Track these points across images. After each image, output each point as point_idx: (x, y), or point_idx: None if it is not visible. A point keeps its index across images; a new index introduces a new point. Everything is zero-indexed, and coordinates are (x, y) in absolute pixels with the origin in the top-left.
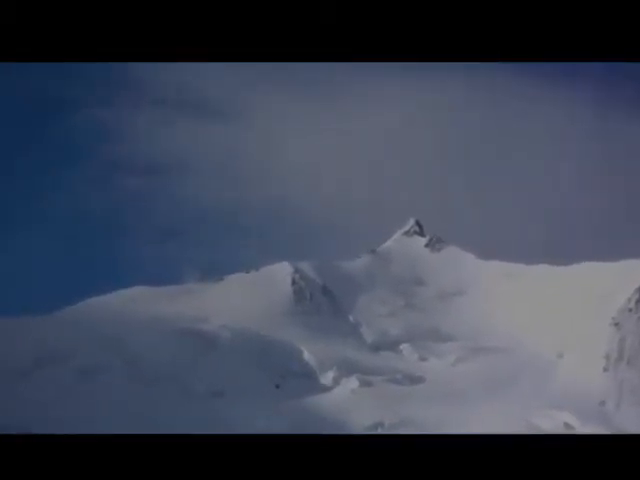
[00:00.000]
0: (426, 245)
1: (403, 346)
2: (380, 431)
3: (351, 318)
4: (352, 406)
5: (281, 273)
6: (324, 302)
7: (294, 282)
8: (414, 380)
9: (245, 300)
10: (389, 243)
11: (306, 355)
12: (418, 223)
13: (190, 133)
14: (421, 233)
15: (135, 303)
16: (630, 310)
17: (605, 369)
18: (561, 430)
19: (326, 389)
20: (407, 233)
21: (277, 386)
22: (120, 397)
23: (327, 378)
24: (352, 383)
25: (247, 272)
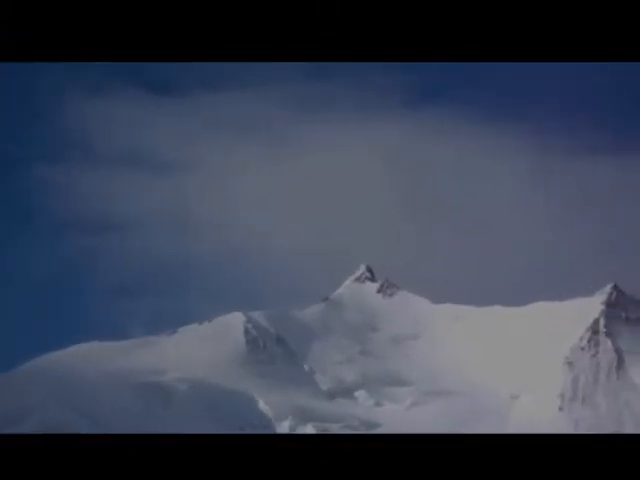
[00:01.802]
0: (378, 291)
1: (359, 392)
2: None
3: (306, 366)
4: None
5: (234, 323)
6: (278, 351)
7: (247, 332)
8: (370, 426)
9: (199, 352)
10: (341, 290)
11: (262, 405)
12: (369, 269)
13: (137, 186)
14: (372, 279)
15: (91, 358)
16: (583, 349)
17: (560, 408)
18: None
19: None
20: (359, 279)
21: None
22: None
23: (283, 427)
24: (308, 431)
25: (200, 324)
